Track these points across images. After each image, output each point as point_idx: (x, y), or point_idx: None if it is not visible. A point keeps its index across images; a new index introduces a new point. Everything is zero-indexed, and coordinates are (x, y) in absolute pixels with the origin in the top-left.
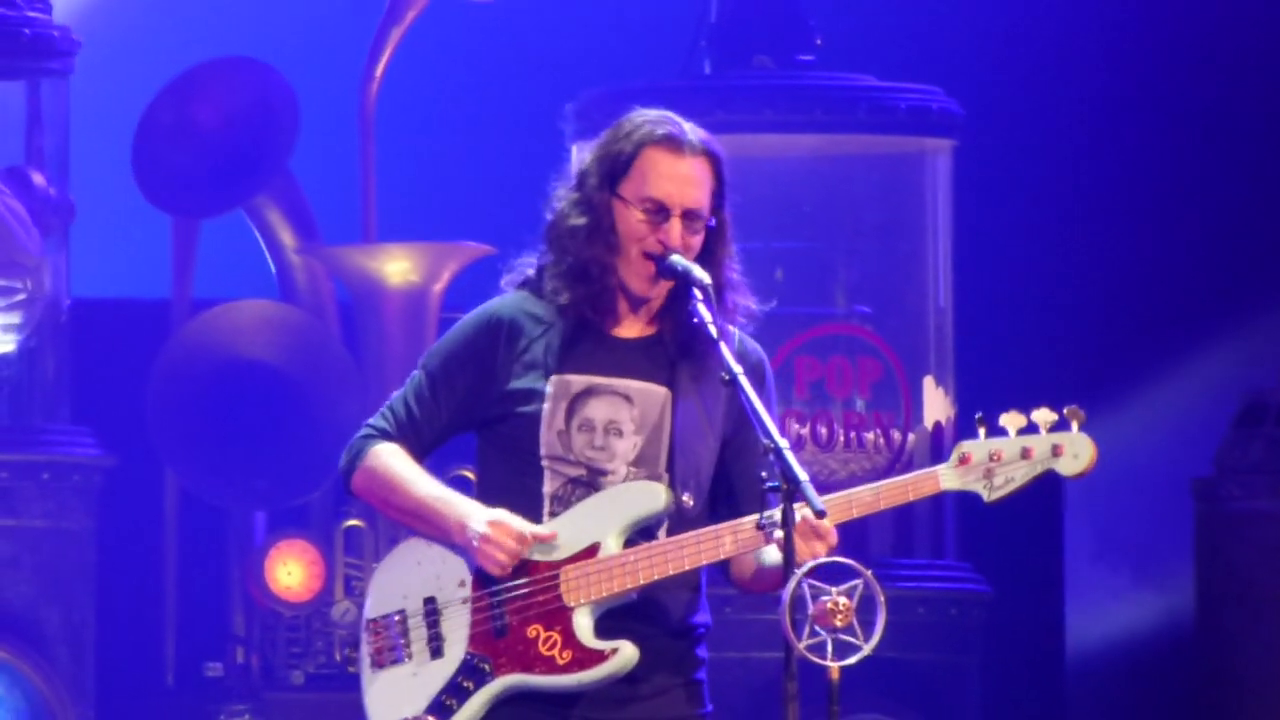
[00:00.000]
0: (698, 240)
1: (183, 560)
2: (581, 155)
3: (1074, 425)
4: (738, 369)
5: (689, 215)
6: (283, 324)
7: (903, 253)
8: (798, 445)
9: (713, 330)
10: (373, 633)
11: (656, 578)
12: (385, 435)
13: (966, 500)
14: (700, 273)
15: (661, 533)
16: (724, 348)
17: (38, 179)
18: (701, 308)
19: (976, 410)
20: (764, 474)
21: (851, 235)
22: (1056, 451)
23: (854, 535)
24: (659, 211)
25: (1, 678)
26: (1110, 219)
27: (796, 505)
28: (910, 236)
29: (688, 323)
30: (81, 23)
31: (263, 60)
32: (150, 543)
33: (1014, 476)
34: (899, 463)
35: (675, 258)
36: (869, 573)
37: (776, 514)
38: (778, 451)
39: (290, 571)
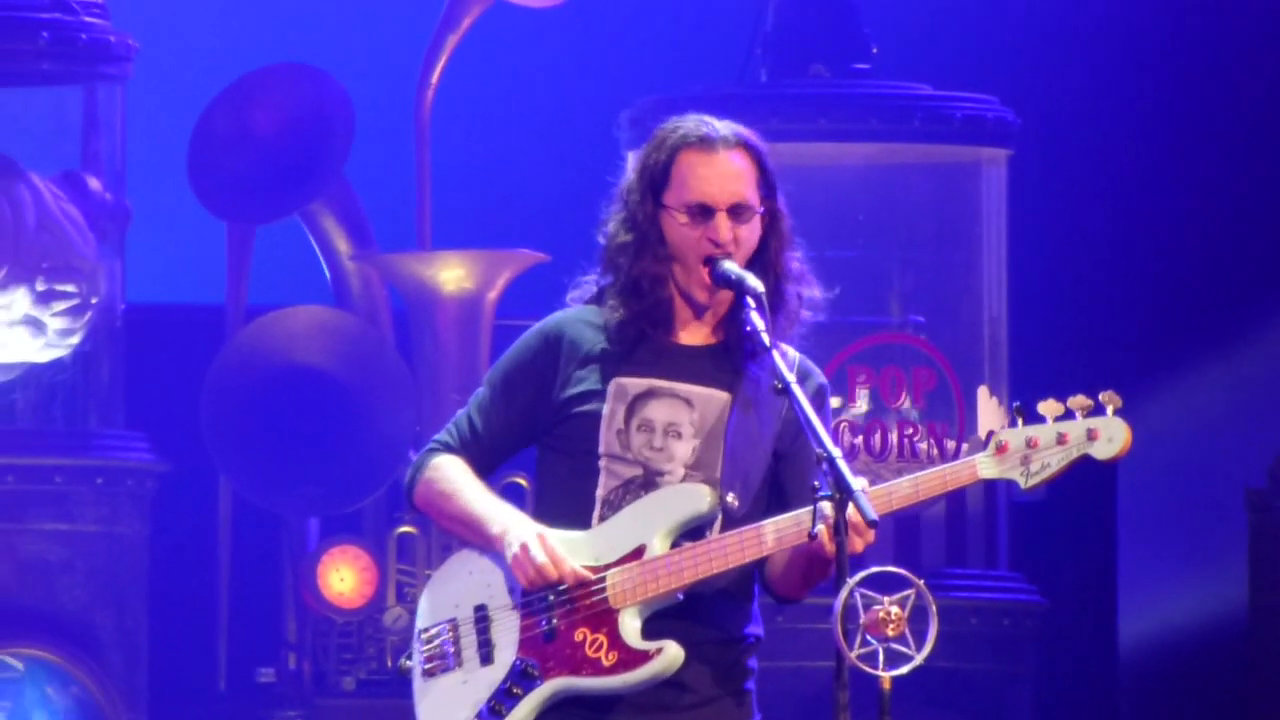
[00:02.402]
0: (748, 232)
1: (235, 566)
2: (625, 172)
3: (1109, 410)
4: (790, 377)
5: (734, 210)
6: (337, 330)
7: (957, 262)
8: (851, 454)
9: (765, 338)
10: (424, 642)
11: (701, 576)
12: (448, 449)
13: (1019, 510)
14: (754, 281)
15: (711, 535)
16: (776, 356)
17: (94, 184)
18: (754, 315)
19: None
20: (816, 483)
21: (906, 244)
22: (1092, 436)
23: (907, 545)
24: (703, 212)
25: (55, 682)
26: (1165, 228)
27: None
28: (965, 246)
29: (745, 333)
30: (138, 28)
31: (319, 67)
32: (203, 548)
33: (1050, 462)
34: None
35: (728, 265)
36: (921, 582)
37: (825, 513)
38: (830, 460)
39: (343, 578)
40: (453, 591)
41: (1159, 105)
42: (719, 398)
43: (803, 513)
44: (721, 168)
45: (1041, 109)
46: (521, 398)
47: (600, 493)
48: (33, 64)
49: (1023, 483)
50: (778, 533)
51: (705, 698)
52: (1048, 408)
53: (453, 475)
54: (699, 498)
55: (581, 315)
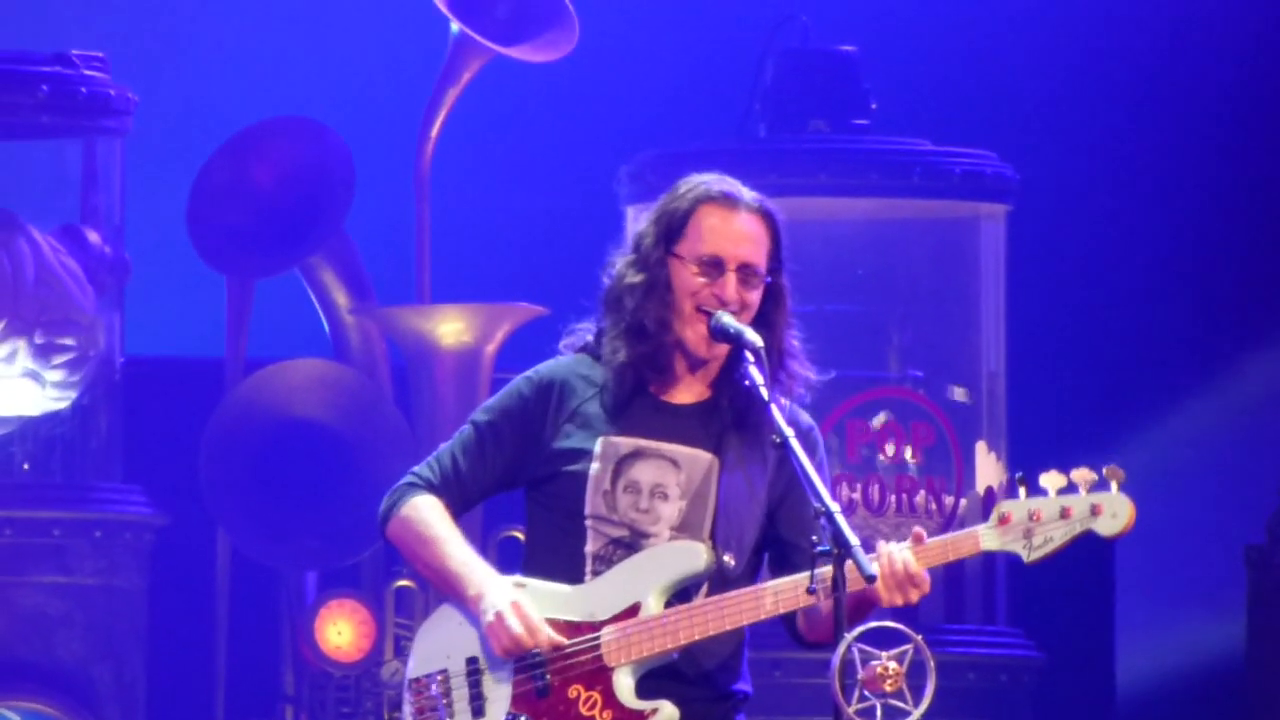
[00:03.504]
0: (754, 296)
1: (233, 619)
2: (638, 220)
3: (1113, 485)
4: (789, 431)
5: (744, 270)
6: (336, 384)
7: (956, 317)
8: (849, 509)
9: (763, 392)
10: (415, 692)
11: (697, 638)
12: (429, 486)
13: (1018, 566)
14: (753, 335)
15: (700, 594)
16: (775, 410)
17: (93, 237)
18: (753, 370)
19: (1028, 476)
20: (814, 537)
21: (904, 299)
22: (1095, 511)
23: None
24: (715, 266)
25: None
26: (1163, 284)
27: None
28: (963, 301)
29: (742, 388)
30: (138, 82)
31: (319, 121)
32: (201, 601)
33: (1053, 536)
34: (950, 528)
35: (727, 319)
36: (919, 638)
37: (826, 573)
38: (829, 515)
39: (340, 631)
40: (444, 641)
41: (1157, 161)
42: (705, 458)
43: (801, 577)
44: (739, 227)
45: (1040, 165)
46: (509, 445)
47: (590, 549)
48: (32, 117)
49: (1025, 556)
50: (777, 596)
51: None
52: (1050, 479)
53: (431, 520)
54: (695, 556)
55: (575, 366)
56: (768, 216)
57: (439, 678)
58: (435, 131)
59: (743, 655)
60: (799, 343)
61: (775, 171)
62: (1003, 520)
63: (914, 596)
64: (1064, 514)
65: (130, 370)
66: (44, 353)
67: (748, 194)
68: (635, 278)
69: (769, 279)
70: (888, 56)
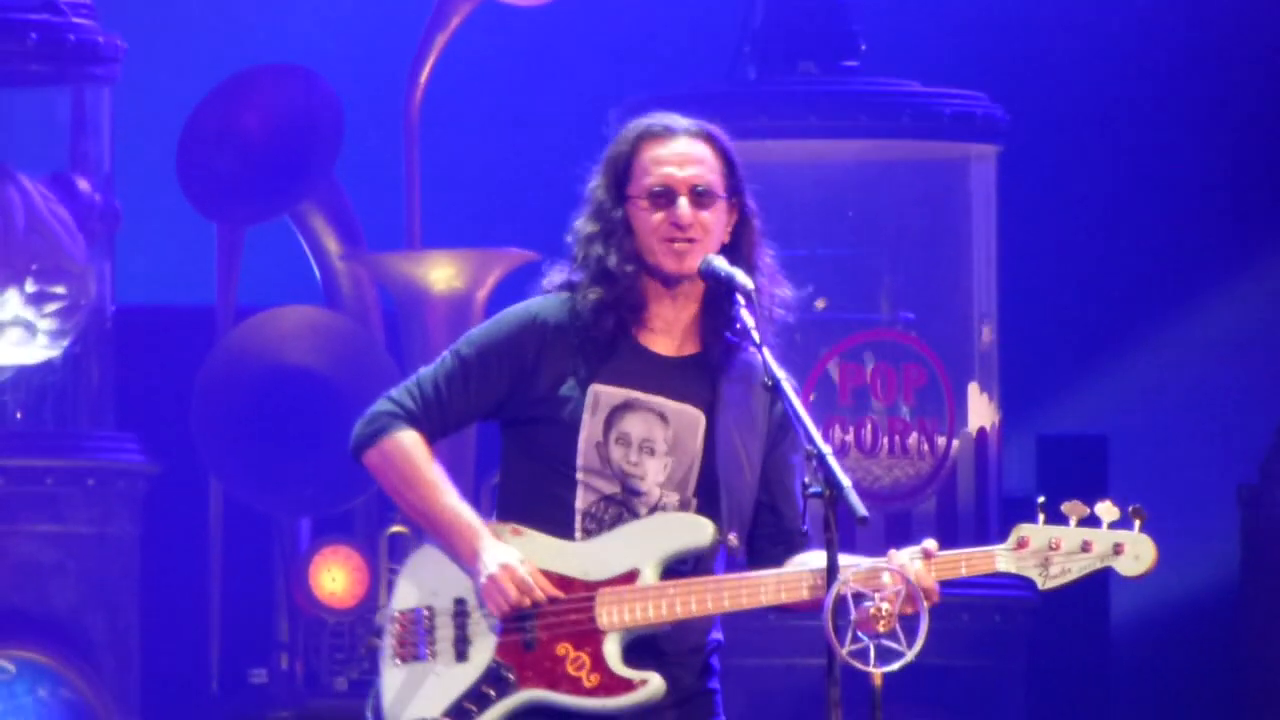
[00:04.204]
0: (712, 218)
1: (227, 566)
2: (592, 176)
3: (1136, 524)
4: (781, 374)
5: (695, 193)
6: (327, 330)
7: (947, 259)
8: (841, 451)
9: (755, 335)
10: (398, 625)
11: (695, 615)
12: (409, 416)
13: (1010, 505)
14: (744, 278)
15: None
16: (767, 353)
17: (83, 185)
18: (744, 313)
19: (1020, 416)
20: (807, 480)
21: (895, 241)
22: (1118, 550)
23: (898, 541)
24: (665, 195)
25: (46, 683)
26: (1153, 222)
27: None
28: (954, 242)
29: (727, 340)
30: (126, 29)
31: (307, 66)
32: (195, 549)
33: (1071, 568)
34: (942, 468)
35: (718, 262)
36: (912, 577)
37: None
38: (820, 457)
39: (334, 578)
40: (432, 578)
41: (1146, 99)
42: (693, 414)
43: (808, 574)
44: (680, 150)
45: (1030, 104)
46: (496, 377)
47: (580, 505)
48: (20, 65)
49: (1040, 583)
50: (780, 587)
51: (674, 700)
52: (1072, 508)
53: (418, 461)
54: (700, 531)
55: (561, 307)
56: (710, 138)
57: (425, 613)
58: (424, 77)
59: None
60: (772, 259)
61: (765, 114)
62: (1021, 544)
63: (923, 606)
64: (1085, 547)
65: (121, 318)
66: (35, 301)
67: (685, 121)
68: (593, 227)
69: (728, 199)
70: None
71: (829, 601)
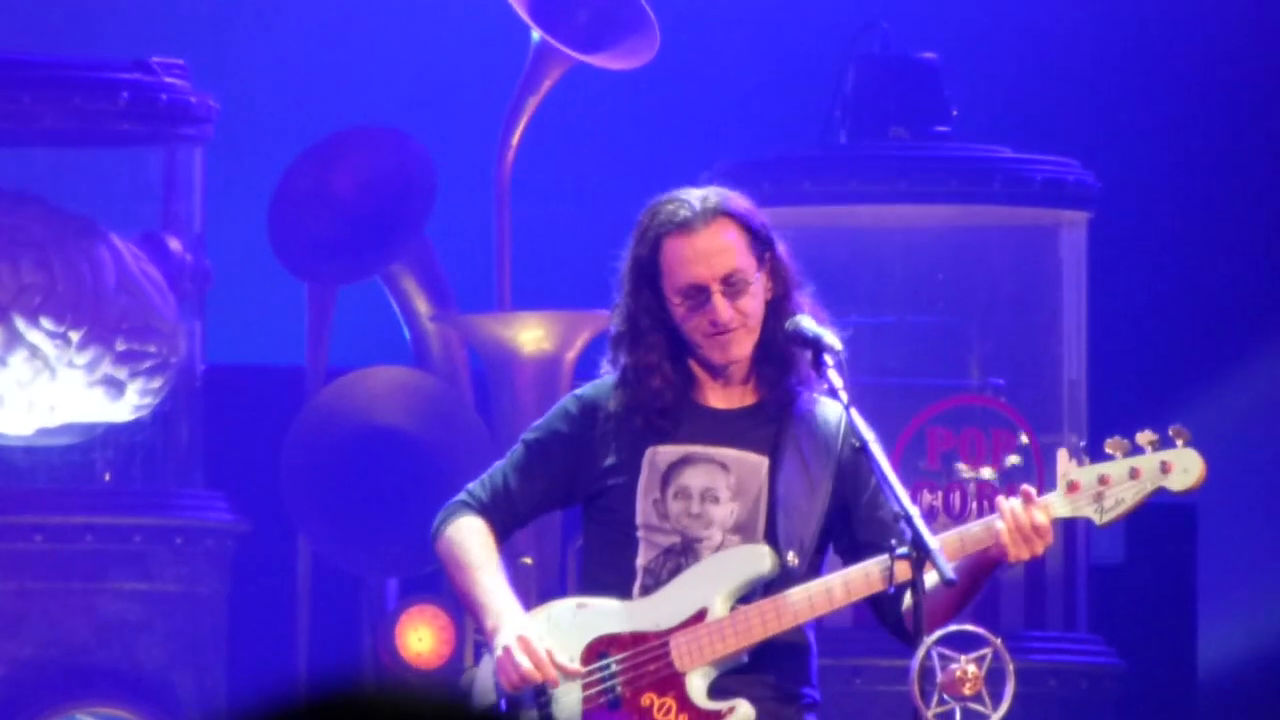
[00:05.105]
0: (750, 301)
1: (314, 626)
2: (621, 263)
3: (1179, 442)
4: (869, 435)
5: (728, 282)
6: (416, 391)
7: (1037, 325)
8: (929, 515)
9: (843, 396)
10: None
11: (770, 634)
12: (479, 505)
13: (1099, 573)
14: (832, 338)
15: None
16: (855, 413)
17: (174, 245)
18: (833, 374)
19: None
20: (894, 541)
21: (986, 307)
22: (1165, 469)
23: (985, 605)
24: (698, 293)
25: None
26: (1244, 288)
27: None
28: (1044, 308)
29: (787, 389)
30: (219, 88)
31: (400, 128)
32: (282, 608)
33: (1124, 497)
34: None
35: (806, 323)
36: (998, 641)
37: (901, 569)
38: (908, 518)
39: (421, 638)
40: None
41: (1238, 165)
42: (755, 460)
43: (871, 564)
44: (704, 245)
45: (1121, 171)
46: (558, 463)
47: (640, 562)
48: (113, 124)
49: (1097, 519)
50: (847, 585)
51: None
52: (1115, 445)
53: (470, 545)
54: (759, 559)
55: (615, 384)
56: (731, 215)
57: (505, 704)
58: (516, 138)
59: (809, 659)
60: (810, 295)
61: (856, 178)
62: (1071, 488)
63: (1039, 548)
64: (1133, 474)
65: (211, 377)
66: (125, 359)
67: (700, 204)
68: (621, 327)
69: (760, 269)
70: (968, 63)
71: (915, 664)
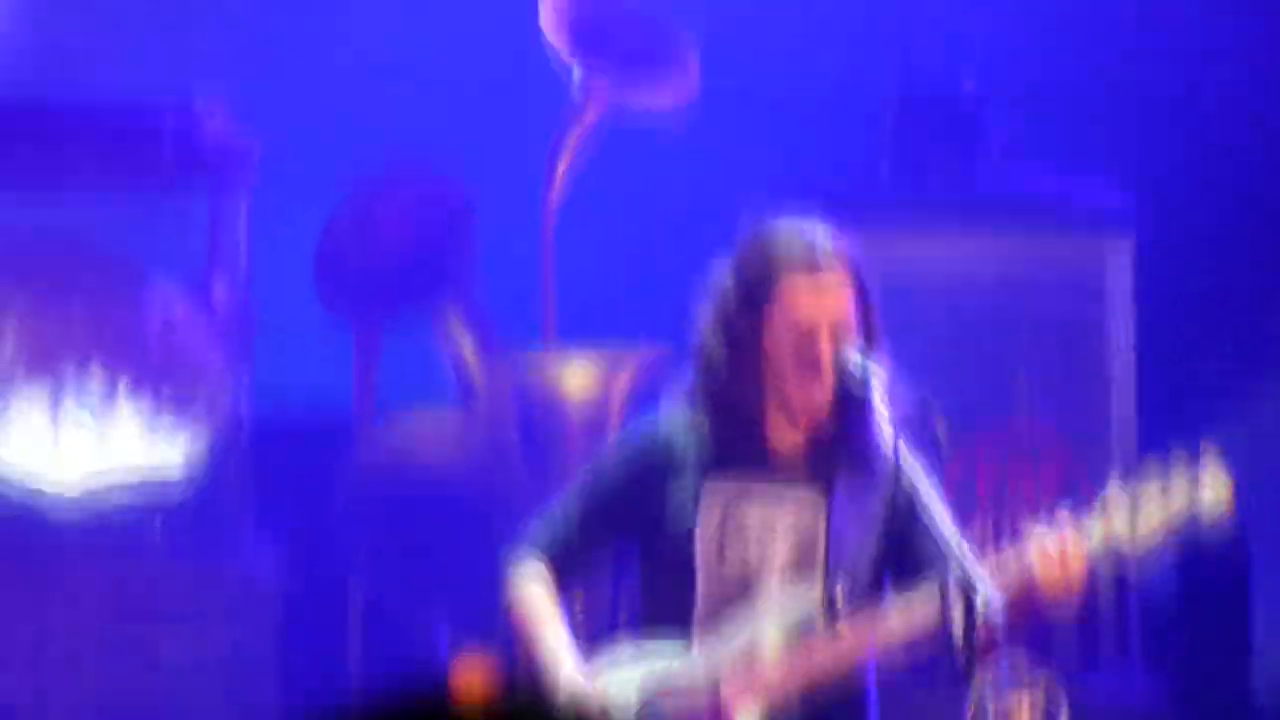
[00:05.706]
0: (845, 346)
1: (367, 672)
2: (721, 276)
3: (1206, 459)
4: (919, 467)
5: (835, 329)
6: (463, 432)
7: (1084, 354)
8: (982, 542)
9: (892, 429)
10: None
11: (828, 673)
12: (541, 547)
13: (1153, 611)
14: (881, 373)
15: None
16: (905, 445)
17: (219, 289)
18: (881, 406)
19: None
20: (941, 581)
21: (1032, 338)
22: (1195, 486)
23: (1039, 644)
24: (809, 333)
25: None
26: None
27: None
28: (1091, 337)
29: (847, 429)
30: (263, 130)
31: (444, 167)
32: (334, 657)
33: (1155, 515)
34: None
35: (860, 359)
36: (1052, 680)
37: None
38: (955, 553)
39: (473, 684)
40: None
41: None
42: (812, 498)
43: (923, 594)
44: (825, 292)
45: (1168, 198)
46: (618, 501)
47: (699, 602)
48: (155, 168)
49: (1130, 539)
50: (900, 621)
51: None
52: (1146, 466)
53: (530, 597)
54: (806, 597)
55: (676, 419)
56: (848, 265)
57: None
58: (560, 176)
59: (868, 693)
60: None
61: (898, 211)
62: (1105, 509)
63: (1075, 578)
64: (1164, 493)
65: (258, 423)
66: (173, 406)
67: (824, 244)
68: (720, 344)
69: (861, 315)
70: (1011, 97)
71: (969, 706)
